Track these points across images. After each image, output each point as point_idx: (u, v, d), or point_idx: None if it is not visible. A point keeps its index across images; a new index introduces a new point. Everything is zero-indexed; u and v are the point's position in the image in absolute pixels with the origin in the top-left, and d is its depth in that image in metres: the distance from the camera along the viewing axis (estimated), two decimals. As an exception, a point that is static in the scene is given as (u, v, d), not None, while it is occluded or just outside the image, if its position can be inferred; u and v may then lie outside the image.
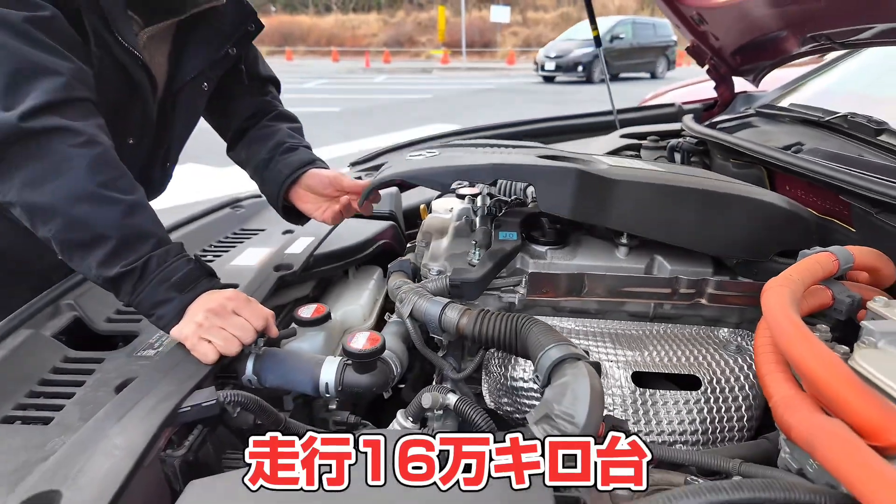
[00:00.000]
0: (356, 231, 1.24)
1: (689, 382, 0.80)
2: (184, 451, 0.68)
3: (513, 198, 1.15)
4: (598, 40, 1.61)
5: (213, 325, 0.73)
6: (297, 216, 1.09)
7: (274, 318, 0.80)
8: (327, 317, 0.88)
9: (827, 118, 1.08)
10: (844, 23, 1.04)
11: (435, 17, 22.25)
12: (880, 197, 0.77)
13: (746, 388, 0.78)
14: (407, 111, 8.91)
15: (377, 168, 1.71)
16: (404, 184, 1.61)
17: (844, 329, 0.69)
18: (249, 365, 0.76)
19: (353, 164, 1.82)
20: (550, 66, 13.00)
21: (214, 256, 1.17)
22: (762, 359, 0.54)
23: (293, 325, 0.90)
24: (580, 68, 12.75)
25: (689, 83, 3.40)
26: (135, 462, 0.57)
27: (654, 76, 13.94)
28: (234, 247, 1.22)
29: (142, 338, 0.88)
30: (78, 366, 0.81)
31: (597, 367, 0.59)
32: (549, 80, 13.31)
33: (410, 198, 1.54)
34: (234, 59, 1.04)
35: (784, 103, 1.41)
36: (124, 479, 0.56)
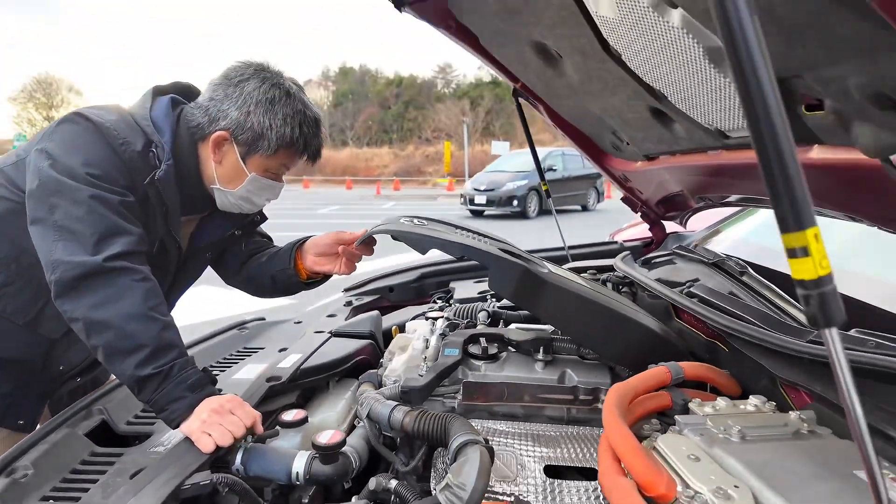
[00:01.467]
0: (339, 347, 1.48)
1: (595, 474, 0.99)
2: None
3: (466, 321, 1.42)
4: (542, 174, 1.96)
5: (213, 422, 0.95)
6: (315, 282, 1.38)
7: (261, 419, 1.02)
8: (304, 420, 1.10)
9: (714, 259, 1.37)
10: (715, 191, 1.37)
11: (441, 151, 24.20)
12: (728, 331, 1.02)
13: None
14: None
15: (370, 293, 2.01)
16: (384, 307, 1.89)
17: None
18: (238, 456, 0.97)
19: (347, 290, 2.11)
20: (481, 199, 12.26)
21: (220, 371, 1.40)
22: (600, 448, 0.75)
23: (277, 426, 1.11)
24: (515, 202, 11.98)
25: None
26: (148, 523, 0.77)
27: (585, 208, 13.65)
28: (236, 363, 1.46)
29: (154, 437, 1.09)
30: (102, 458, 1.02)
31: (491, 451, 0.80)
32: (477, 213, 12.61)
33: (388, 321, 1.80)
34: (239, 238, 1.40)
35: (708, 243, 1.72)
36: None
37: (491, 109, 37.13)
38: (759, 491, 0.61)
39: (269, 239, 1.52)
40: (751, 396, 0.83)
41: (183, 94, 1.24)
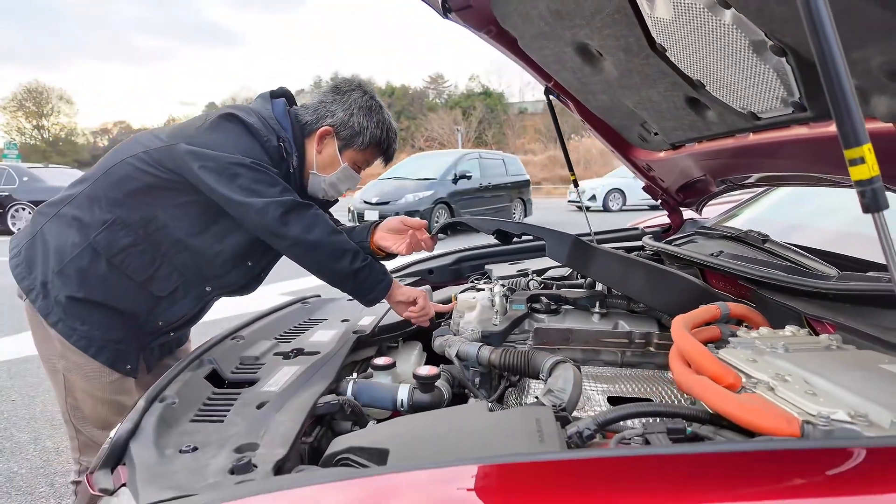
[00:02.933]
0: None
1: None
2: (311, 439, 1.03)
3: (521, 288, 1.59)
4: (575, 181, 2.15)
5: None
6: (383, 257, 1.62)
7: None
8: (393, 364, 1.27)
9: (735, 234, 1.56)
10: (738, 172, 1.56)
11: (435, 159, 24.34)
12: (759, 278, 1.20)
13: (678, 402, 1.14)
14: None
15: (410, 275, 2.17)
16: (432, 285, 2.06)
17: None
18: (349, 388, 1.13)
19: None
20: (372, 214, 9.30)
21: (293, 337, 1.56)
22: (672, 358, 0.93)
23: (370, 369, 1.27)
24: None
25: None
26: (299, 427, 0.93)
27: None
28: (308, 329, 1.62)
29: (260, 383, 1.25)
30: (225, 396, 1.18)
31: (578, 367, 0.97)
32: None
33: (438, 295, 1.97)
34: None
35: (726, 223, 1.91)
36: (296, 436, 0.91)
37: (483, 119, 37.54)
38: (808, 377, 0.79)
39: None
40: (787, 326, 1.02)
41: (285, 95, 1.50)
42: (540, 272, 1.87)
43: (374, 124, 1.45)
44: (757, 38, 0.94)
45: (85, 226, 1.30)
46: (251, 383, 1.26)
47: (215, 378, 1.29)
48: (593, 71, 1.62)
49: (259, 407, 1.10)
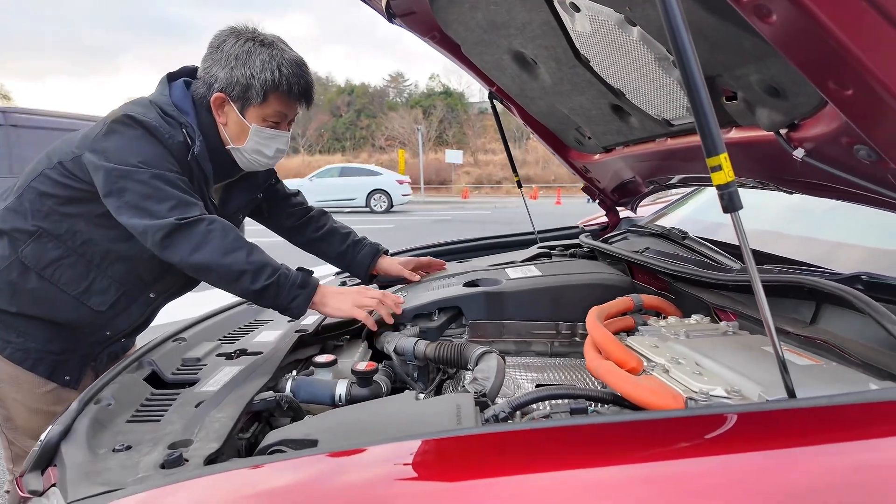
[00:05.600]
0: (347, 314, 1.69)
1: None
2: (248, 435, 1.06)
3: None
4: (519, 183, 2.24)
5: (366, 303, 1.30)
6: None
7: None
8: (335, 362, 1.30)
9: (661, 231, 1.67)
10: (662, 174, 1.67)
11: (395, 159, 24.41)
12: (674, 272, 1.31)
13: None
14: (373, 239, 9.57)
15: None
16: (380, 285, 2.10)
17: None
18: (288, 385, 1.17)
19: (338, 273, 2.30)
20: None
21: (237, 338, 1.58)
22: (586, 346, 1.01)
23: (311, 367, 1.31)
24: None
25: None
26: (234, 422, 0.96)
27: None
28: (253, 330, 1.64)
29: (200, 383, 1.26)
30: (164, 396, 1.19)
31: (503, 357, 1.04)
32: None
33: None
34: (262, 199, 1.61)
35: (656, 222, 2.03)
36: (230, 431, 0.94)
37: (444, 118, 37.69)
38: (699, 360, 0.88)
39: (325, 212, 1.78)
40: (693, 315, 1.12)
41: (191, 75, 1.35)
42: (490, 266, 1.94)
43: (257, 69, 1.24)
44: (660, 53, 1.03)
45: (13, 239, 1.26)
46: (191, 384, 1.27)
47: (155, 380, 1.30)
48: (530, 78, 1.70)
49: (197, 406, 1.12)
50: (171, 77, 1.37)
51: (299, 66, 1.30)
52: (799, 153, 0.88)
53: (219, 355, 1.39)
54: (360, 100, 43.29)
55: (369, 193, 15.60)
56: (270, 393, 1.08)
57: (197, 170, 1.30)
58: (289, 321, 1.70)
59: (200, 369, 1.32)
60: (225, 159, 1.39)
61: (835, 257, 1.21)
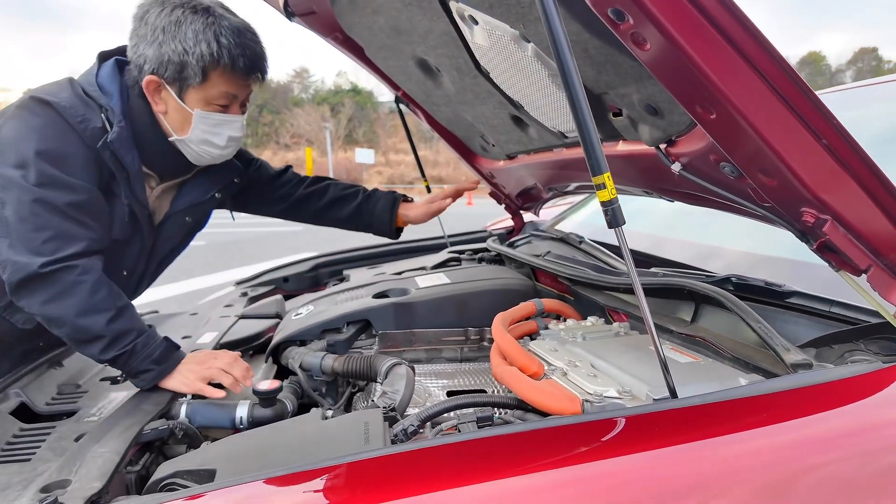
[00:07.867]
0: (249, 327, 1.61)
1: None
2: (139, 467, 0.97)
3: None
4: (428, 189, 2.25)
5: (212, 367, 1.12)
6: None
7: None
8: (281, 389, 1.21)
9: (560, 236, 1.76)
10: (559, 182, 1.76)
11: (302, 158, 23.64)
12: (571, 276, 1.38)
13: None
14: (278, 241, 9.23)
15: (264, 284, 2.12)
16: (287, 294, 2.03)
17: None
18: (182, 410, 1.09)
19: (240, 283, 2.19)
20: None
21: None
22: (492, 352, 1.04)
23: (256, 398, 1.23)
24: None
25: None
26: (120, 457, 0.88)
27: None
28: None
29: (82, 411, 1.15)
30: (36, 431, 1.07)
31: (412, 368, 1.04)
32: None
33: (295, 303, 1.94)
34: (220, 201, 1.41)
35: (556, 226, 2.13)
36: (115, 466, 0.86)
37: (353, 117, 37.10)
38: (594, 361, 0.94)
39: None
40: (588, 317, 1.18)
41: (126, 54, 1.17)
42: (398, 274, 1.93)
43: (190, 42, 1.05)
44: (553, 70, 1.08)
45: None
46: (70, 414, 1.15)
47: (25, 412, 1.16)
48: (435, 85, 1.71)
49: (77, 440, 1.02)
50: (103, 56, 1.18)
51: (242, 33, 1.11)
52: (676, 167, 0.96)
53: (103, 379, 1.27)
54: (263, 94, 41.45)
55: None
56: (163, 421, 1.00)
57: (113, 161, 1.12)
58: (182, 337, 1.59)
59: (80, 397, 1.20)
60: (168, 154, 1.20)
61: (713, 260, 1.34)
